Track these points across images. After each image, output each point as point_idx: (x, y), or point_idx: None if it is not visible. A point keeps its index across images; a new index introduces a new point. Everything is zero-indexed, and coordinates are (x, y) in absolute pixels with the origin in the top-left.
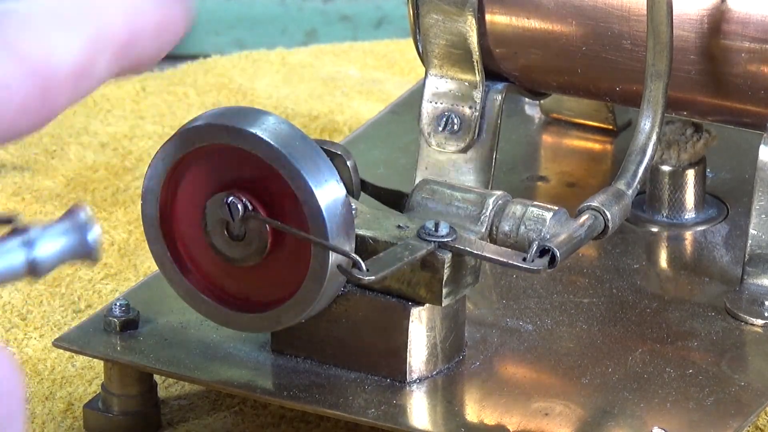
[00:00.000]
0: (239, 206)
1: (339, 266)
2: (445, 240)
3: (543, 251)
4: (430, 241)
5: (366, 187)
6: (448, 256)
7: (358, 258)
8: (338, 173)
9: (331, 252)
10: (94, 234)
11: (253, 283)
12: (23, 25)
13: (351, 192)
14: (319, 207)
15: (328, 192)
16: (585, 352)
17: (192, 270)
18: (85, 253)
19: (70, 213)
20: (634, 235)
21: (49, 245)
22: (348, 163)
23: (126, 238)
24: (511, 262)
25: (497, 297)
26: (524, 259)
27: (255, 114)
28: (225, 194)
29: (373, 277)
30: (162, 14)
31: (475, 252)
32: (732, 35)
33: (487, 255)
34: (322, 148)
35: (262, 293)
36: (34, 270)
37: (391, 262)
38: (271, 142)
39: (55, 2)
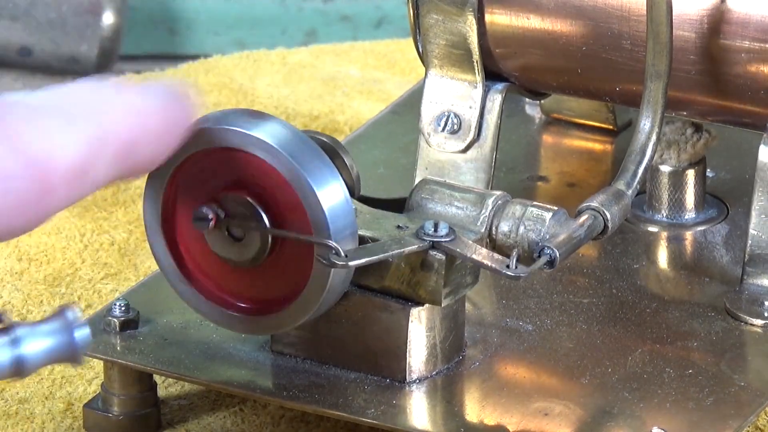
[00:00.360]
0: (210, 215)
1: (318, 254)
2: (441, 240)
3: (542, 251)
4: (424, 240)
5: (365, 201)
6: (446, 257)
7: (336, 245)
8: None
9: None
10: (81, 334)
11: (255, 285)
12: (27, 119)
13: (350, 189)
14: (322, 209)
15: (331, 194)
16: (585, 352)
17: (194, 271)
18: (70, 354)
19: (59, 313)
20: (634, 235)
21: (36, 344)
22: (346, 159)
23: (126, 238)
24: (494, 266)
25: (497, 297)
26: (508, 266)
27: (257, 116)
28: (200, 206)
29: (348, 263)
30: (166, 116)
31: (463, 254)
32: (732, 35)
33: (474, 258)
34: (319, 140)
35: (264, 295)
36: (19, 369)
37: (373, 252)
38: (274, 145)
39: (61, 99)
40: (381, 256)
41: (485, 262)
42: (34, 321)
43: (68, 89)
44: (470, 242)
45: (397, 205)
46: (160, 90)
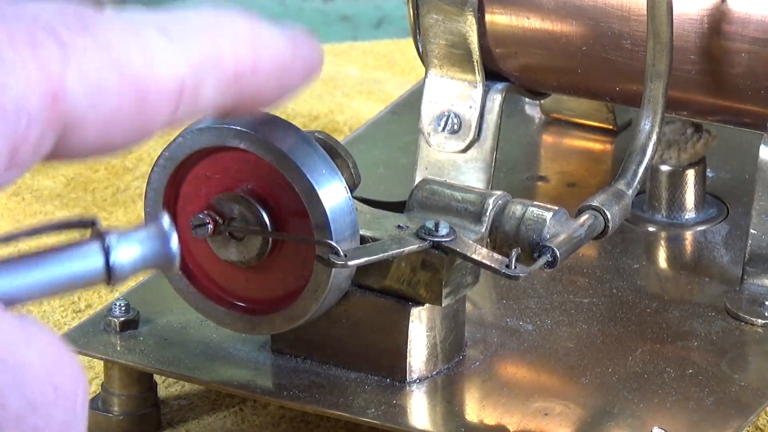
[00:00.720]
0: (207, 221)
1: (317, 254)
2: (442, 240)
3: (543, 251)
4: (424, 239)
5: (365, 203)
6: (447, 257)
7: (336, 245)
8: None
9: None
10: (174, 242)
11: (255, 285)
12: (129, 33)
13: (351, 187)
14: (323, 209)
15: (332, 193)
16: (585, 352)
17: (194, 271)
18: (164, 261)
19: (151, 220)
20: (634, 235)
21: (129, 251)
22: (346, 158)
23: None
24: (493, 266)
25: (497, 297)
26: (507, 266)
27: (257, 115)
28: (197, 212)
29: (348, 263)
30: (287, 52)
31: (462, 253)
32: (732, 35)
33: (474, 257)
34: (318, 139)
35: (265, 294)
36: (111, 276)
37: (373, 251)
38: (275, 144)
39: (168, 19)
40: (381, 255)
41: (485, 261)
42: (125, 228)
43: (177, 13)
44: (471, 242)
45: (397, 208)
46: (282, 29)
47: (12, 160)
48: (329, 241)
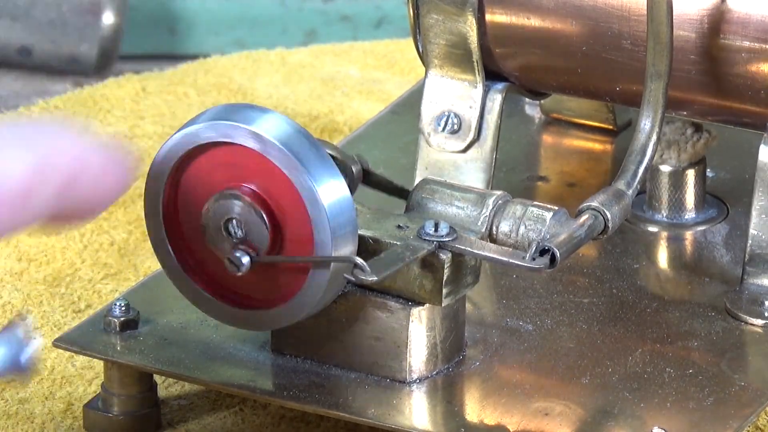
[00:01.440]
0: (244, 259)
1: (343, 270)
2: (446, 240)
3: (543, 251)
4: (430, 241)
5: (369, 178)
6: (448, 256)
7: (361, 261)
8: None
9: (332, 253)
10: (27, 354)
11: (255, 282)
12: None
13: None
14: (322, 205)
15: (332, 190)
16: (585, 352)
17: (194, 267)
18: (20, 370)
19: (8, 328)
20: (634, 235)
21: None
22: (354, 168)
23: (126, 238)
24: (512, 261)
25: (497, 297)
26: (524, 258)
27: (257, 112)
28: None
29: (375, 278)
30: (105, 162)
31: (475, 252)
32: (732, 35)
33: (487, 254)
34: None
35: (264, 292)
36: None
37: (393, 262)
38: (274, 141)
39: (4, 129)
40: (400, 265)
41: (501, 257)
42: None
43: (9, 124)
44: (476, 240)
45: (400, 192)
46: (101, 138)
47: None
48: (353, 257)
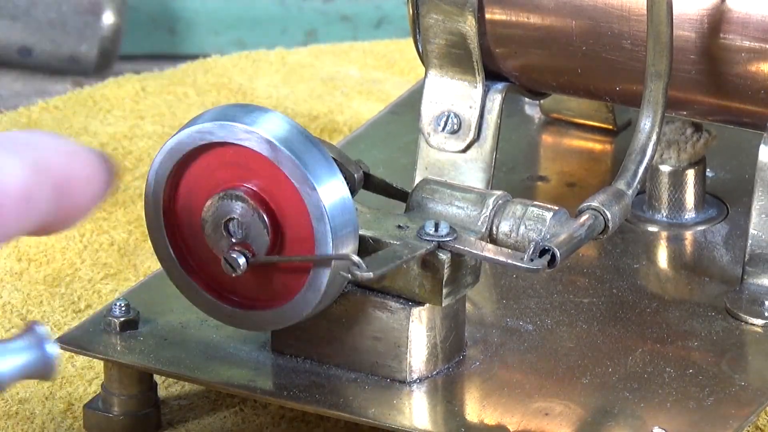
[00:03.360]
0: (240, 260)
1: (339, 268)
2: (445, 240)
3: (543, 251)
4: (430, 241)
5: (369, 182)
6: (448, 256)
7: (357, 258)
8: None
9: (333, 253)
10: (51, 349)
11: (254, 283)
12: None
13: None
14: (323, 206)
15: (332, 190)
16: (585, 352)
17: (194, 267)
18: (43, 369)
19: (28, 329)
20: (634, 235)
21: (7, 362)
22: (354, 173)
23: (126, 238)
24: (510, 261)
25: (497, 297)
26: (523, 259)
27: (258, 112)
28: (227, 250)
29: (371, 275)
30: (93, 163)
31: (474, 252)
32: (732, 35)
33: (486, 255)
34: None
35: (264, 292)
36: None
37: (390, 259)
38: (274, 141)
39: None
40: (398, 262)
41: (499, 258)
42: (2, 339)
43: (5, 133)
44: (476, 240)
45: (401, 195)
46: (85, 146)
47: None
48: (350, 255)
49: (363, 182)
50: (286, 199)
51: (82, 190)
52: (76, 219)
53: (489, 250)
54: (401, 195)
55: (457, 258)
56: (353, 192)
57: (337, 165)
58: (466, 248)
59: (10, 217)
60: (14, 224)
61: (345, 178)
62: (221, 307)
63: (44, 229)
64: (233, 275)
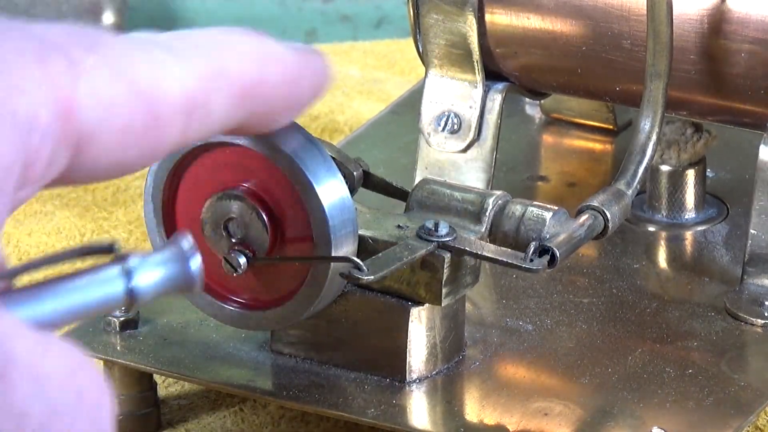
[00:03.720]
0: (241, 260)
1: (339, 269)
2: (445, 240)
3: (543, 251)
4: (430, 241)
5: (369, 180)
6: (448, 256)
7: (358, 261)
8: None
9: (333, 253)
10: (196, 263)
11: (254, 282)
12: (136, 50)
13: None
14: (321, 206)
15: (331, 190)
16: (585, 352)
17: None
18: (186, 284)
19: (172, 241)
20: (634, 235)
21: (150, 275)
22: (354, 171)
23: (126, 238)
24: (511, 261)
25: (497, 297)
26: (522, 259)
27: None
28: (227, 248)
29: (372, 277)
30: (295, 67)
31: (475, 252)
32: (732, 35)
33: (486, 254)
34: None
35: (263, 292)
36: (133, 300)
37: (391, 261)
38: (273, 140)
39: (174, 37)
40: (399, 264)
41: (499, 258)
42: (145, 252)
43: (183, 31)
44: (476, 240)
45: (401, 194)
46: (289, 45)
47: (25, 176)
48: (352, 257)
49: (363, 180)
50: (286, 199)
51: (281, 94)
52: (280, 121)
53: (489, 250)
54: (401, 194)
55: (457, 258)
56: (353, 191)
57: (336, 163)
58: (466, 248)
59: (172, 128)
60: (177, 132)
61: (344, 176)
62: (220, 307)
63: (241, 130)
64: (234, 275)
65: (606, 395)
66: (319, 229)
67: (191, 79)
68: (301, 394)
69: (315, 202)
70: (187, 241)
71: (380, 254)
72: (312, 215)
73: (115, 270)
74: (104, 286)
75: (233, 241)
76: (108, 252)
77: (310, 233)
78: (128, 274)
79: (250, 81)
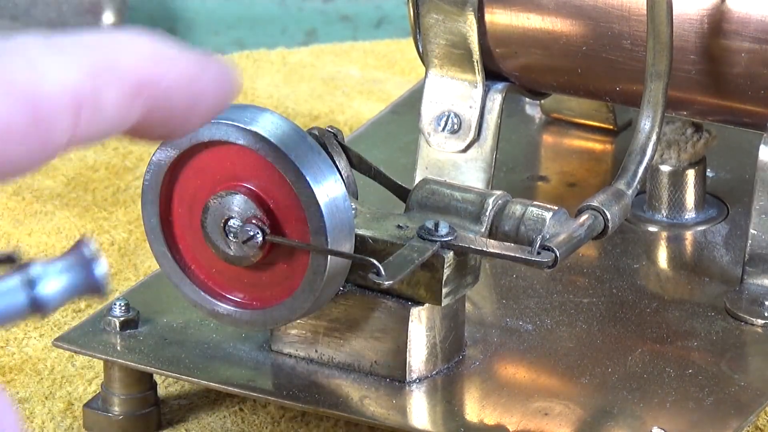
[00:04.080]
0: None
1: (341, 270)
2: (448, 239)
3: (545, 248)
4: (434, 242)
5: (370, 171)
6: (448, 256)
7: (377, 263)
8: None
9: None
10: (100, 268)
11: (253, 281)
12: (12, 50)
13: (350, 191)
14: (318, 205)
15: (328, 190)
16: (585, 352)
17: (192, 267)
18: (91, 289)
19: (75, 247)
20: (634, 235)
21: (53, 283)
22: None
23: (126, 238)
24: (517, 255)
25: (497, 297)
26: (530, 252)
27: (254, 111)
28: (243, 224)
29: (391, 282)
30: (192, 68)
31: (479, 249)
32: (732, 35)
33: (492, 251)
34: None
35: (261, 291)
36: (38, 309)
37: (405, 265)
38: (271, 140)
39: (58, 36)
40: (412, 267)
41: (506, 253)
42: (49, 259)
43: (74, 33)
44: (478, 238)
45: (401, 191)
46: (190, 50)
47: None
48: (371, 260)
49: (358, 165)
50: (283, 197)
51: (183, 96)
52: (190, 123)
53: (493, 246)
54: (399, 190)
55: (457, 258)
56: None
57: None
58: (470, 246)
59: (58, 125)
60: (66, 130)
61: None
62: (219, 306)
63: (146, 132)
64: (252, 255)
65: (606, 395)
66: (315, 228)
67: (76, 75)
68: (301, 394)
69: (311, 201)
70: (89, 247)
71: (392, 258)
72: (308, 214)
73: (16, 280)
74: (5, 297)
75: (232, 240)
76: (9, 261)
77: (308, 232)
78: (31, 284)
79: (141, 78)
